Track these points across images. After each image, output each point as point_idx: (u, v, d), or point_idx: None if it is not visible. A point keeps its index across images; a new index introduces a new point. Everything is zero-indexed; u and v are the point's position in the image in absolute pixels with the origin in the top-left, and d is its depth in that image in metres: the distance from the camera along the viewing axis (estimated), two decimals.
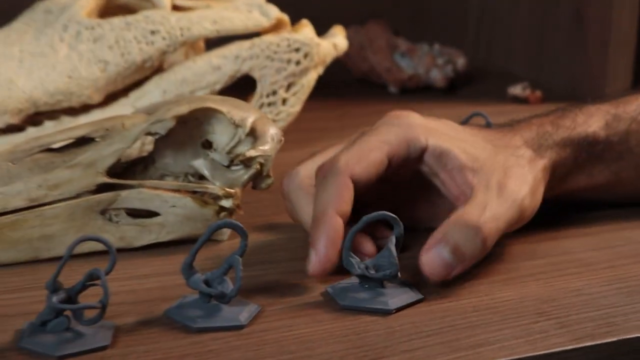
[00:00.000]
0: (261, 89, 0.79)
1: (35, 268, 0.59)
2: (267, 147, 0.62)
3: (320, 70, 0.82)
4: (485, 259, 0.62)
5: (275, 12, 0.79)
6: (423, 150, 0.61)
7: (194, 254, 0.53)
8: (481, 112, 0.74)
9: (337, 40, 0.84)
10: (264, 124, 0.63)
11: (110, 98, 0.76)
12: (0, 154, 0.59)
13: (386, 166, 0.61)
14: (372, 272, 0.56)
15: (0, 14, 0.80)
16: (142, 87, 0.76)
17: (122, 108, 0.75)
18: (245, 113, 0.62)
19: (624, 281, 0.60)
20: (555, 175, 0.64)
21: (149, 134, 0.61)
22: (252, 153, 0.62)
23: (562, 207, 0.70)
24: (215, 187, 0.62)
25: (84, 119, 0.74)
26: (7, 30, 0.75)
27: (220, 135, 0.62)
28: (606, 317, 0.56)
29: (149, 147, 0.68)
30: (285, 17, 0.80)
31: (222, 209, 0.62)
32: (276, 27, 0.80)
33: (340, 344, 0.52)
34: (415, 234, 0.62)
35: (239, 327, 0.53)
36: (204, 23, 0.76)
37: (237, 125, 0.62)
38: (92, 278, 0.51)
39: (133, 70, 0.75)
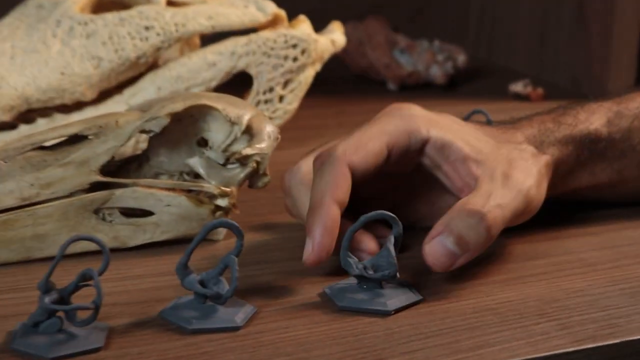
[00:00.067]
0: (258, 85, 0.79)
1: (27, 268, 0.59)
2: (263, 145, 0.62)
3: (317, 66, 0.82)
4: (486, 259, 0.63)
5: (272, 8, 0.79)
6: (424, 142, 0.61)
7: (189, 254, 0.53)
8: (482, 109, 0.74)
9: (335, 37, 0.84)
10: (260, 121, 0.63)
11: (104, 95, 0.76)
12: None
13: (386, 157, 0.61)
14: (371, 272, 0.56)
15: None
16: (136, 84, 0.76)
17: (115, 105, 0.75)
18: (241, 110, 0.62)
19: (627, 282, 0.60)
20: (558, 173, 0.64)
21: (143, 131, 0.61)
22: (248, 151, 0.62)
23: (565, 207, 0.70)
24: (210, 186, 0.62)
25: (76, 116, 0.74)
26: None
27: (216, 133, 0.62)
28: (609, 318, 0.56)
29: (143, 145, 0.68)
30: (282, 13, 0.80)
31: (218, 208, 0.62)
32: (273, 22, 0.80)
33: (338, 345, 0.52)
34: (415, 234, 0.62)
35: (235, 329, 0.53)
36: (199, 19, 0.76)
37: (233, 123, 0.62)
38: (85, 278, 0.51)
39: (127, 66, 0.75)
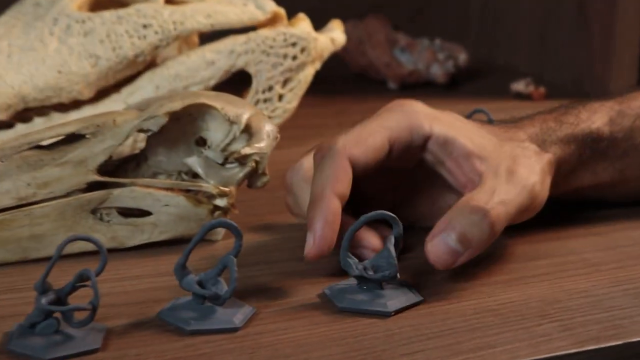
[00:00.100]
0: (257, 84, 0.79)
1: (24, 268, 0.59)
2: (262, 144, 0.62)
3: (317, 65, 0.82)
4: (488, 259, 0.62)
5: (271, 6, 0.79)
6: (427, 138, 0.61)
7: (187, 254, 0.53)
8: (483, 108, 0.74)
9: (335, 35, 0.84)
10: (259, 120, 0.63)
11: (102, 94, 0.76)
12: None
13: (387, 152, 0.60)
14: (371, 273, 0.56)
15: None
16: (134, 83, 0.76)
17: (113, 104, 0.75)
18: (240, 109, 0.62)
19: (631, 282, 0.60)
20: (560, 172, 0.64)
21: (141, 130, 0.61)
22: (247, 150, 0.62)
23: (567, 207, 0.70)
24: (209, 186, 0.62)
25: (74, 115, 0.74)
26: None
27: (215, 132, 0.62)
28: (612, 319, 0.56)
29: (141, 144, 0.68)
30: (281, 11, 0.80)
31: (217, 208, 0.62)
32: (272, 21, 0.80)
33: (338, 347, 0.52)
34: (415, 234, 0.62)
35: (233, 330, 0.53)
36: (197, 17, 0.76)
37: (231, 122, 0.62)
38: (82, 279, 0.51)
39: (125, 65, 0.75)
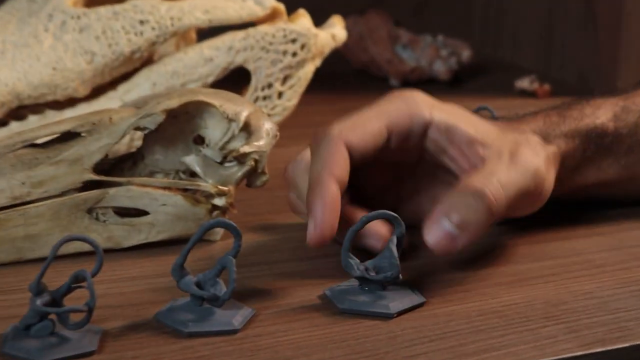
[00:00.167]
0: (256, 81, 0.79)
1: (18, 269, 0.59)
2: (262, 142, 0.62)
3: (317, 62, 0.82)
4: (491, 260, 0.63)
5: (270, 1, 0.79)
6: (427, 125, 0.61)
7: (185, 254, 0.53)
8: (487, 106, 0.74)
9: (336, 31, 0.84)
10: (258, 118, 0.63)
11: (97, 91, 0.76)
12: None
13: (385, 138, 0.61)
14: (372, 274, 0.56)
15: None
16: (131, 80, 0.76)
17: (109, 101, 0.75)
18: (239, 107, 0.62)
19: (637, 284, 0.60)
20: (565, 167, 0.65)
21: (137, 128, 0.61)
22: (246, 149, 0.62)
23: (572, 207, 0.70)
24: (207, 185, 0.62)
25: (69, 112, 0.74)
26: None
27: (213, 130, 0.62)
28: (618, 321, 0.56)
29: (138, 143, 0.68)
30: (281, 7, 0.80)
31: (215, 207, 0.63)
32: (271, 16, 0.80)
33: (339, 349, 0.52)
34: (418, 233, 0.62)
35: (232, 332, 0.53)
36: (195, 12, 0.76)
37: (230, 120, 0.62)
38: (78, 280, 0.51)
39: (121, 61, 0.75)
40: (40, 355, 0.49)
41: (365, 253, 0.59)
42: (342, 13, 0.88)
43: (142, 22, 0.75)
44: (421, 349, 0.52)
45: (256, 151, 0.62)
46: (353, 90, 1.02)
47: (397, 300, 0.56)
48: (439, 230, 0.56)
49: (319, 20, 0.84)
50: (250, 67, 0.78)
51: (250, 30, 0.78)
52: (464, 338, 0.53)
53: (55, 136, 0.61)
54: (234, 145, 0.62)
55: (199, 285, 0.54)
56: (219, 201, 0.62)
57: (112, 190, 0.61)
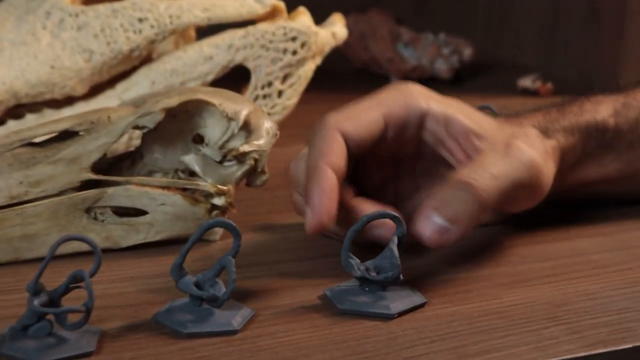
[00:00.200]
0: (255, 80, 0.79)
1: (16, 269, 0.59)
2: (261, 141, 0.62)
3: (318, 60, 0.82)
4: (493, 260, 0.63)
5: None
6: (424, 115, 0.62)
7: (184, 254, 0.53)
8: (489, 105, 0.74)
9: (336, 29, 0.84)
10: (258, 117, 0.63)
11: (96, 89, 0.76)
12: None
13: (382, 128, 0.61)
14: (373, 274, 0.56)
15: None
16: (130, 78, 0.76)
17: (108, 100, 0.75)
18: (238, 105, 0.62)
19: None
20: (565, 162, 0.65)
21: (136, 127, 0.61)
22: (245, 148, 0.62)
23: (574, 206, 0.70)
24: (206, 184, 0.62)
25: (67, 111, 0.74)
26: None
27: (212, 129, 0.62)
28: (621, 322, 0.56)
29: (137, 142, 0.68)
30: (281, 4, 0.80)
31: (214, 207, 0.63)
32: (271, 14, 0.80)
33: (339, 350, 0.52)
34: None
35: (232, 332, 0.53)
36: (194, 10, 0.76)
37: (230, 119, 0.62)
38: (76, 280, 0.51)
39: (119, 60, 0.75)
40: (37, 356, 0.49)
41: (365, 253, 0.59)
42: (342, 11, 0.88)
43: (140, 20, 0.75)
44: (422, 350, 0.52)
45: (256, 150, 0.62)
46: (354, 89, 1.01)
47: (398, 301, 0.56)
48: (430, 224, 0.57)
49: (320, 18, 0.84)
50: (250, 65, 0.78)
51: (250, 29, 0.78)
52: (466, 339, 0.53)
53: (53, 135, 0.61)
54: (234, 144, 0.62)
55: (198, 285, 0.54)
56: (218, 201, 0.62)
57: (110, 190, 0.61)
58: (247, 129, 0.62)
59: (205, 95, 0.62)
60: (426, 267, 0.61)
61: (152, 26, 0.75)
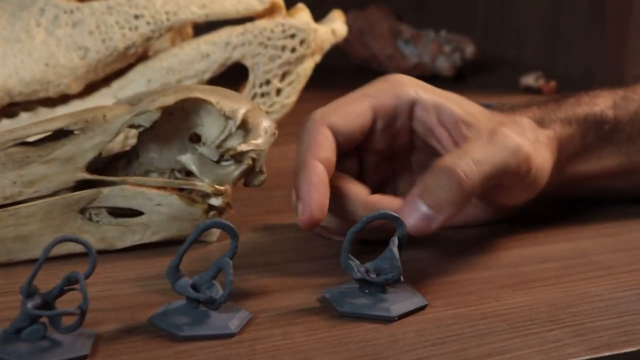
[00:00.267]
0: (254, 78, 0.79)
1: (9, 271, 0.59)
2: (259, 141, 0.62)
3: (317, 58, 0.82)
4: (495, 262, 0.63)
5: None
6: (413, 103, 0.62)
7: (181, 256, 0.53)
8: (491, 103, 0.74)
9: (336, 26, 0.84)
10: (256, 115, 0.63)
11: (91, 88, 0.76)
12: None
13: (371, 119, 0.62)
14: (373, 275, 0.56)
15: None
16: (125, 76, 0.76)
17: (103, 98, 0.75)
18: (236, 104, 0.62)
19: None
20: (564, 153, 0.65)
21: (132, 126, 0.61)
22: (243, 147, 0.62)
23: (578, 205, 0.70)
24: (203, 184, 0.62)
25: (61, 110, 0.74)
26: None
27: (209, 128, 0.62)
28: (625, 325, 0.56)
29: (133, 141, 0.68)
30: (279, 1, 0.80)
31: (211, 207, 0.62)
32: (270, 11, 0.80)
33: (339, 354, 0.52)
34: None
35: (229, 336, 0.53)
36: (191, 7, 0.76)
37: (227, 117, 0.62)
38: (70, 282, 0.51)
39: (115, 57, 0.75)
40: (31, 359, 0.49)
41: (365, 254, 0.59)
42: (342, 7, 0.88)
43: (136, 17, 0.75)
44: (423, 353, 0.52)
45: (254, 150, 0.62)
46: (353, 87, 1.01)
47: (399, 303, 0.56)
48: (413, 211, 0.57)
49: (319, 15, 0.84)
50: (247, 63, 0.78)
51: (248, 25, 0.78)
52: (467, 342, 0.53)
53: (47, 134, 0.61)
54: (231, 143, 0.62)
55: (194, 287, 0.54)
56: (215, 201, 0.62)
57: (105, 190, 0.61)
58: (244, 127, 0.62)
59: (202, 94, 0.62)
60: (427, 269, 0.61)
61: (148, 23, 0.75)
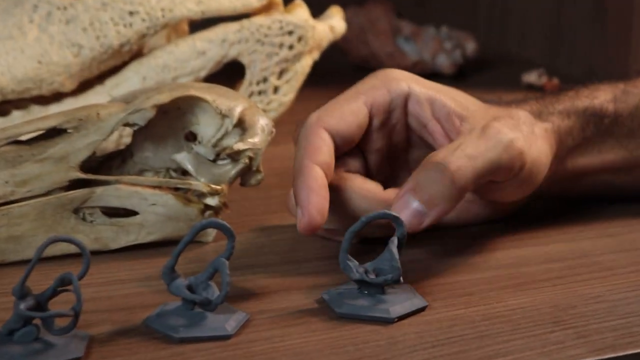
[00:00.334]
0: (250, 75, 0.79)
1: (1, 272, 0.59)
2: (257, 139, 0.62)
3: (315, 55, 0.82)
4: (496, 262, 0.63)
5: None
6: (406, 97, 0.62)
7: (176, 256, 0.53)
8: (493, 101, 0.74)
9: (335, 23, 0.84)
10: (253, 114, 0.63)
11: (84, 85, 0.76)
12: None
13: (367, 116, 0.62)
14: (372, 276, 0.56)
15: None
16: (120, 74, 0.76)
17: (97, 96, 0.75)
18: (232, 102, 0.62)
19: None
20: (564, 146, 0.65)
21: (126, 124, 0.61)
22: (240, 146, 0.62)
23: (580, 204, 0.70)
24: (199, 184, 0.62)
25: (55, 108, 0.74)
26: None
27: (205, 127, 0.62)
28: (629, 326, 0.56)
29: (127, 140, 0.68)
30: None
31: (207, 207, 0.62)
32: (267, 7, 0.80)
33: (337, 356, 0.52)
34: (419, 233, 0.62)
35: (225, 337, 0.53)
36: (187, 3, 0.76)
37: (223, 116, 0.62)
38: (63, 283, 0.51)
39: (109, 54, 0.75)
40: None
41: (364, 254, 0.59)
42: (341, 4, 0.88)
43: (131, 14, 0.75)
44: (423, 355, 0.52)
45: (251, 148, 0.62)
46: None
47: (398, 304, 0.56)
48: (404, 207, 0.57)
49: (317, 11, 0.84)
50: (244, 60, 0.78)
51: (245, 22, 0.78)
52: (468, 344, 0.53)
53: (40, 133, 0.61)
54: (228, 142, 0.62)
55: (190, 288, 0.54)
56: (211, 201, 0.62)
57: (99, 190, 0.61)
58: (241, 126, 0.62)
59: (197, 91, 0.62)
60: (427, 269, 0.61)
61: (143, 20, 0.75)
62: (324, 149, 0.60)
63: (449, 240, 0.65)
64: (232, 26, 0.78)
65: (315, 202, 0.57)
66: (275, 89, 0.80)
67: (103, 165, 0.63)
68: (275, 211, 0.68)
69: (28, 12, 0.74)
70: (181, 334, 0.52)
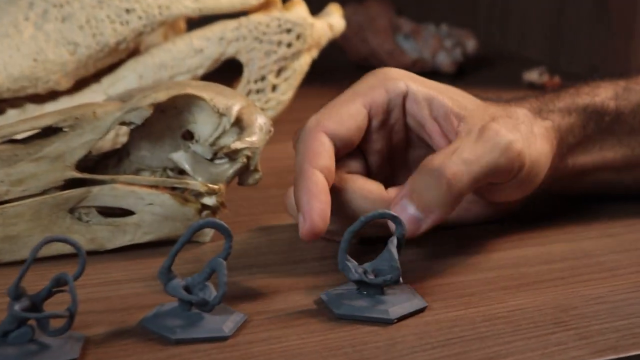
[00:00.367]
0: (248, 74, 0.79)
1: None
2: (254, 138, 0.62)
3: (314, 53, 0.82)
4: (497, 262, 0.63)
5: None
6: (404, 96, 0.62)
7: (173, 257, 0.53)
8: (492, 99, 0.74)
9: (333, 20, 0.84)
10: (251, 112, 0.63)
11: (80, 84, 0.76)
12: None
13: (366, 117, 0.62)
14: (371, 277, 0.56)
15: None
16: (116, 72, 0.76)
17: (93, 95, 0.75)
18: (230, 101, 0.62)
19: None
20: (564, 143, 0.65)
21: (123, 123, 0.61)
22: (238, 145, 0.62)
23: (581, 204, 0.70)
24: (196, 183, 0.62)
25: (50, 106, 0.74)
26: None
27: (203, 125, 0.62)
28: (631, 327, 0.56)
29: (124, 139, 0.68)
30: None
31: (205, 207, 0.62)
32: (265, 5, 0.80)
33: (335, 357, 0.52)
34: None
35: (223, 339, 0.53)
36: (184, 1, 0.76)
37: (221, 114, 0.62)
38: (59, 284, 0.51)
39: (106, 53, 0.75)
40: None
41: (363, 254, 0.59)
42: (340, 1, 0.88)
43: (128, 11, 0.75)
44: (422, 357, 0.52)
45: (249, 147, 0.62)
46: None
47: (397, 305, 0.56)
48: (401, 212, 0.57)
49: (316, 8, 0.84)
50: (242, 58, 0.78)
51: (243, 20, 0.78)
52: (469, 345, 0.53)
53: (35, 131, 0.61)
54: (225, 141, 0.62)
55: (187, 289, 0.54)
56: (208, 200, 0.62)
57: (95, 189, 0.61)
58: (239, 125, 0.62)
59: (195, 90, 0.62)
60: (427, 270, 0.61)
61: (140, 17, 0.75)
62: (323, 153, 0.59)
63: (449, 240, 0.65)
64: (230, 24, 0.78)
65: (316, 208, 0.57)
66: (274, 88, 0.80)
67: (99, 164, 0.63)
68: (274, 211, 0.68)
69: (24, 9, 0.74)
70: (178, 335, 0.52)
